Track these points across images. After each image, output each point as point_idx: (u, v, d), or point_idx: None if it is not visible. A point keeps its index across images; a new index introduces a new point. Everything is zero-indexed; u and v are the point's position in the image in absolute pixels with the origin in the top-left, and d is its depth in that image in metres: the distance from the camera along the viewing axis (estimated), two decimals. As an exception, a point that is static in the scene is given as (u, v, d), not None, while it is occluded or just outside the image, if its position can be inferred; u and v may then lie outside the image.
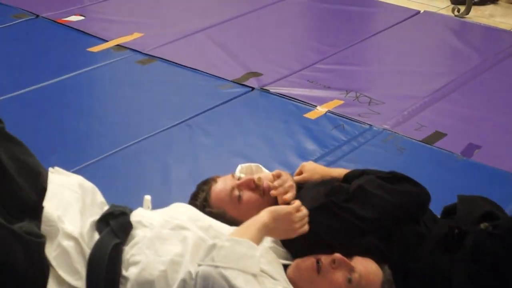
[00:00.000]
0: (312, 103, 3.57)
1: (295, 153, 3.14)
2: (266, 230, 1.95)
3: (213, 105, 3.54)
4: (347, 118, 3.43)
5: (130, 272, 1.95)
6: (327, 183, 2.24)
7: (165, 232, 2.03)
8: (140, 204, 2.29)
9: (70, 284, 1.93)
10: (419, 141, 3.25)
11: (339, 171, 2.41)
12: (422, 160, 3.11)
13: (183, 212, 2.15)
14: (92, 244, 1.99)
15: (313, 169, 2.42)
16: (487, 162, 3.08)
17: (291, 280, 2.01)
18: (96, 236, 2.02)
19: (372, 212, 2.07)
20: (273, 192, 2.18)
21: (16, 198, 1.98)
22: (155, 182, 2.91)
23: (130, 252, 1.98)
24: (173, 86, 3.75)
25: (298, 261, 2.07)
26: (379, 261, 2.04)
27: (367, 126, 3.37)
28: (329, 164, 2.95)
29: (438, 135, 3.29)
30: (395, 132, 3.31)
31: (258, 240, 1.92)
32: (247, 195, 2.21)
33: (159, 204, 2.31)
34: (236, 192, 2.22)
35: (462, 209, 2.18)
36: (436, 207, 2.33)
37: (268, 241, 2.13)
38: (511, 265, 1.92)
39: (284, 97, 3.63)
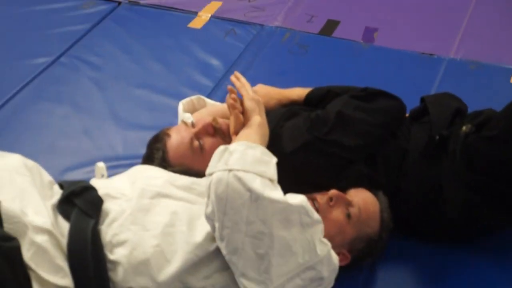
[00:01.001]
0: (191, 10, 3.28)
1: (199, 72, 2.89)
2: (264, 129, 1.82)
3: (83, 30, 3.13)
4: (234, 21, 3.20)
5: (118, 255, 1.70)
6: (294, 112, 2.06)
7: (146, 202, 1.78)
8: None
9: (56, 284, 1.65)
10: (317, 34, 3.11)
11: (297, 92, 2.22)
12: (329, 55, 2.99)
13: (156, 176, 1.89)
14: (64, 232, 1.70)
15: (267, 94, 2.20)
16: (391, 44, 3.03)
17: None
18: (63, 222, 1.73)
19: (357, 139, 1.94)
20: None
21: None
22: (62, 131, 2.59)
23: (109, 231, 1.73)
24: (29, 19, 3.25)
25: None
26: (371, 188, 1.95)
27: (258, 27, 3.16)
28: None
29: (332, 24, 3.18)
30: (290, 29, 3.14)
31: (265, 146, 1.75)
32: (208, 142, 1.97)
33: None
34: (196, 143, 1.96)
35: (433, 112, 2.10)
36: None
37: None
38: (506, 165, 1.89)
39: (158, 8, 3.31)
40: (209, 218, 1.65)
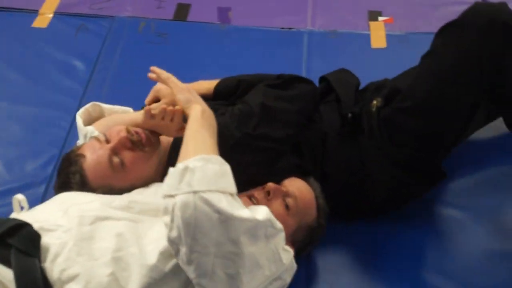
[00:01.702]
0: (30, 8, 3.04)
1: (62, 75, 2.71)
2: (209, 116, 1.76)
3: None
4: (81, 16, 3.01)
5: None
6: (212, 108, 2.00)
7: (87, 229, 1.65)
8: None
9: None
10: (172, 20, 3.03)
11: (204, 86, 2.14)
12: (189, 40, 2.92)
13: (89, 200, 1.75)
14: (9, 278, 1.54)
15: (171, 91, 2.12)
16: (248, 22, 3.02)
17: None
18: (2, 267, 1.56)
19: (285, 129, 1.92)
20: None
21: None
22: None
23: (55, 268, 1.58)
24: None
25: None
26: (301, 177, 1.95)
27: (109, 19, 3.00)
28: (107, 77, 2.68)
29: (183, 8, 3.09)
30: (143, 17, 3.02)
31: (215, 144, 1.69)
32: (128, 156, 1.85)
33: None
34: (116, 159, 1.84)
35: (340, 91, 2.14)
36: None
37: None
38: (425, 134, 1.96)
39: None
40: (174, 242, 1.56)
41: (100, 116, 2.10)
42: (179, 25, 3.00)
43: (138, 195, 1.82)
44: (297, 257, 1.85)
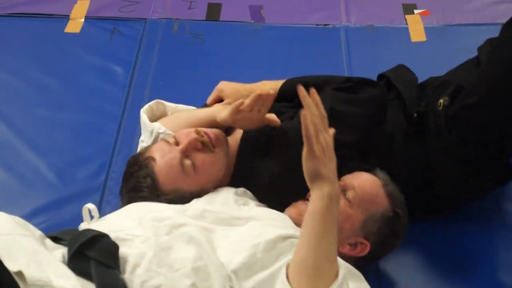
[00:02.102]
0: (61, 14, 2.99)
1: (102, 80, 2.66)
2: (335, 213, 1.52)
3: None
4: (112, 19, 2.97)
5: None
6: (278, 111, 1.97)
7: (165, 240, 1.61)
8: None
9: None
10: (205, 20, 2.99)
11: (268, 86, 2.08)
12: (226, 40, 2.88)
13: (162, 209, 1.72)
14: None
15: (235, 91, 2.09)
16: (281, 20, 2.99)
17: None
18: (83, 280, 1.51)
19: (354, 135, 1.88)
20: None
21: None
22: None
23: (135, 279, 1.54)
24: None
25: (289, 210, 1.85)
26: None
27: (142, 22, 2.96)
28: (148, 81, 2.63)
29: (215, 7, 3.06)
30: (176, 19, 2.98)
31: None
32: (199, 159, 1.82)
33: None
34: (188, 162, 1.81)
35: (402, 89, 2.08)
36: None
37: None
38: (493, 129, 1.91)
39: (21, 17, 2.97)
40: None
41: (163, 114, 2.07)
42: (214, 25, 2.96)
43: (209, 203, 1.79)
44: (382, 254, 1.85)
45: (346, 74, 2.59)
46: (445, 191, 1.96)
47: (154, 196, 1.80)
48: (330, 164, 1.49)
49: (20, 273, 1.43)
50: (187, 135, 1.83)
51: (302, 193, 1.80)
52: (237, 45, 2.86)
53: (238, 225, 1.70)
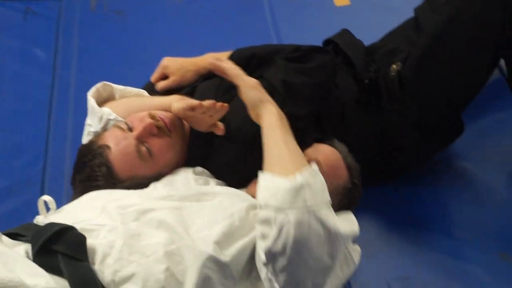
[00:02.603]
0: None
1: (24, 65, 2.52)
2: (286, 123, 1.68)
3: None
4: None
5: None
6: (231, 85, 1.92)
7: (133, 226, 1.55)
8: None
9: None
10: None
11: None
12: (147, 15, 2.80)
13: (125, 195, 1.65)
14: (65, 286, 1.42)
15: (181, 67, 2.01)
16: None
17: None
18: (50, 277, 1.43)
19: (308, 106, 1.85)
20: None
21: None
22: None
23: (106, 270, 1.47)
24: None
25: (254, 189, 1.77)
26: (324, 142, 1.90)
27: (56, 0, 2.82)
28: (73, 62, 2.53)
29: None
30: (91, -6, 2.86)
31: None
32: (155, 144, 1.76)
33: None
34: (143, 148, 1.74)
35: (352, 55, 2.06)
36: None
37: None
38: (442, 90, 1.93)
39: None
40: (273, 254, 1.51)
41: (110, 96, 1.97)
42: (134, 0, 2.86)
43: (169, 186, 1.73)
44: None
45: (275, 43, 2.57)
46: (399, 157, 1.98)
47: (110, 184, 1.73)
48: (264, 92, 1.70)
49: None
50: (141, 120, 1.76)
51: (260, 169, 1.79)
52: (161, 20, 2.78)
53: (206, 200, 1.66)
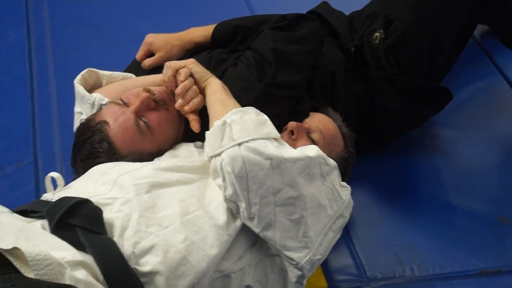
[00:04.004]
0: None
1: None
2: (229, 92, 1.71)
3: None
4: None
5: (151, 264, 1.47)
6: (220, 59, 1.94)
7: (146, 198, 1.55)
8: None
9: None
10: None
11: (199, 33, 2.03)
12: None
13: (135, 167, 1.64)
14: (89, 259, 1.41)
15: (167, 42, 2.00)
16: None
17: None
18: (71, 249, 1.41)
19: (300, 73, 1.88)
20: (185, 109, 1.75)
21: None
22: None
23: (125, 243, 1.47)
24: None
25: None
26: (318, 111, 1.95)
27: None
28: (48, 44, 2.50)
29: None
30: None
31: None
32: (153, 118, 1.75)
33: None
34: (141, 122, 1.73)
35: (336, 24, 2.10)
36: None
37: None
38: (427, 55, 1.98)
39: None
40: (231, 201, 1.52)
41: (97, 82, 1.94)
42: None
43: (175, 157, 1.75)
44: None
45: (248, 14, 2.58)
46: (389, 123, 2.03)
47: (112, 160, 1.71)
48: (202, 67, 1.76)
49: (12, 251, 1.34)
50: (137, 95, 1.74)
51: None
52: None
53: None
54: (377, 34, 2.02)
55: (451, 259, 1.90)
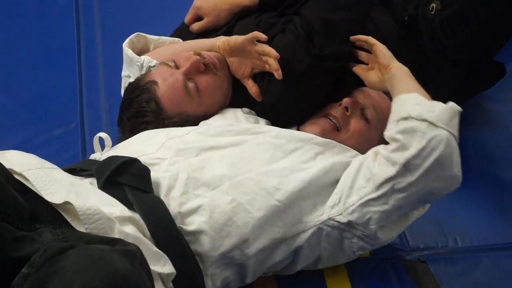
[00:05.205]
0: None
1: (45, 13, 2.51)
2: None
3: None
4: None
5: (197, 224, 1.49)
6: (269, 23, 1.92)
7: (195, 161, 1.56)
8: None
9: (160, 273, 1.38)
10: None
11: None
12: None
13: (183, 133, 1.65)
14: (135, 216, 1.43)
15: (214, 7, 1.98)
16: None
17: None
18: (120, 205, 1.43)
19: (346, 42, 1.84)
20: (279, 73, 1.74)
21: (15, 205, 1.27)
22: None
23: (172, 202, 1.49)
24: None
25: (310, 127, 1.80)
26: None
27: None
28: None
29: None
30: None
31: None
32: (202, 81, 1.76)
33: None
34: (191, 84, 1.74)
35: None
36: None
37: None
38: (484, 30, 1.92)
39: None
40: (406, 166, 1.51)
41: (144, 47, 1.96)
42: None
43: (223, 121, 1.76)
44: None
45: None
46: (438, 95, 2.00)
47: (159, 120, 1.73)
48: None
49: (63, 206, 1.36)
50: (188, 58, 1.75)
51: (304, 112, 1.83)
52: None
53: (263, 132, 1.67)
54: (433, 4, 1.97)
55: (495, 231, 1.89)
